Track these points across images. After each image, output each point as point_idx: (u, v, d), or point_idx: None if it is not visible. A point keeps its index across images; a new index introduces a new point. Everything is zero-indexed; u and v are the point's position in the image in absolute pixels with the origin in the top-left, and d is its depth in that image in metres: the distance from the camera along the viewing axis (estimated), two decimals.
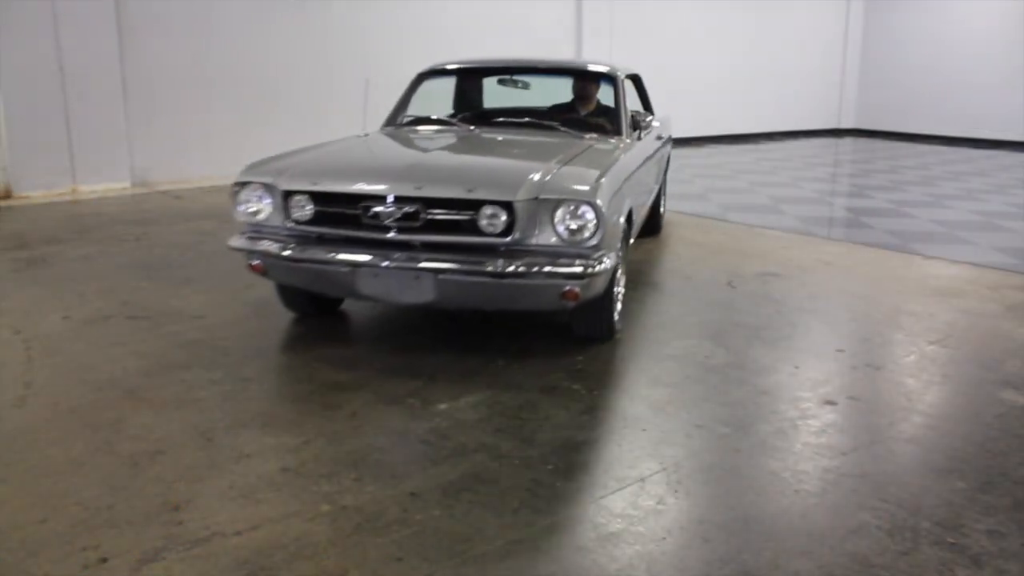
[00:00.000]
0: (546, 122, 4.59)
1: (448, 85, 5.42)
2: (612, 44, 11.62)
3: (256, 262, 3.58)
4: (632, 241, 4.30)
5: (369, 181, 3.41)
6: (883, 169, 10.63)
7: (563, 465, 2.67)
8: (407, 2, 9.74)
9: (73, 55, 7.51)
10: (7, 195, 7.37)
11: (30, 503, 2.42)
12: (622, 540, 2.27)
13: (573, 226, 3.24)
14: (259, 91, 8.84)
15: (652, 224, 5.98)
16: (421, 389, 3.25)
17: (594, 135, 4.42)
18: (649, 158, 4.81)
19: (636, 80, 5.71)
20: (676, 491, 2.53)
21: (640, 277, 5.05)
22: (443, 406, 3.11)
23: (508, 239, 3.24)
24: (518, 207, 3.21)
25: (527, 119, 4.67)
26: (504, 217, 3.23)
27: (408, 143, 4.39)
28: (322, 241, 3.46)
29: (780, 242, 6.12)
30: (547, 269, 3.20)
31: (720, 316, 4.29)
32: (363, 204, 3.34)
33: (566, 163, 3.63)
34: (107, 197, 7.61)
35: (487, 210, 3.24)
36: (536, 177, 3.35)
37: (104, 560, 2.13)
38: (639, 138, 4.66)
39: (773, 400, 3.23)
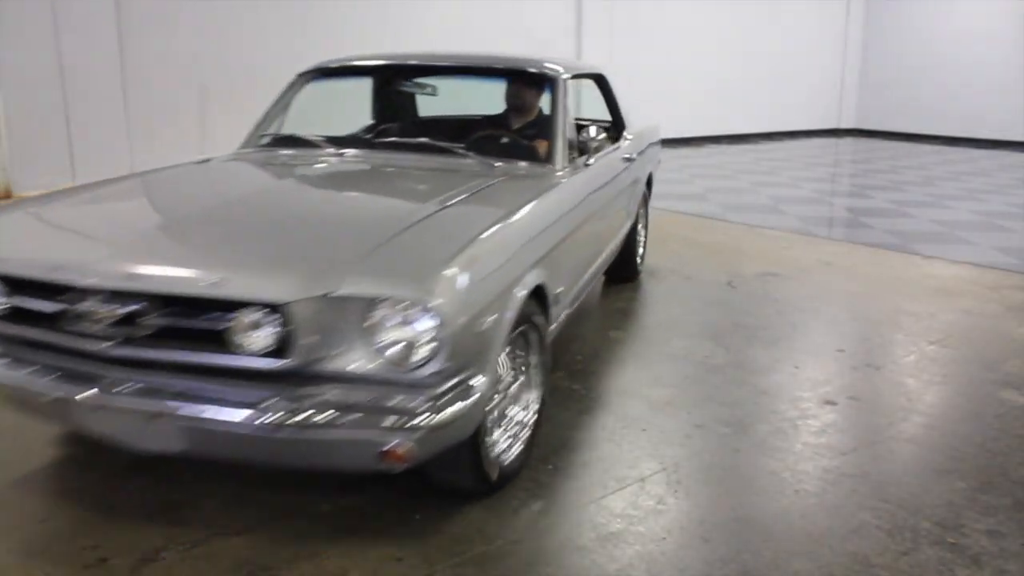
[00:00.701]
0: (447, 144, 3.30)
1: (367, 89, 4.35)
2: (612, 44, 11.63)
3: None
4: (555, 326, 2.93)
5: (69, 260, 2.18)
6: (883, 169, 10.63)
7: (563, 465, 2.67)
8: (408, 3, 9.74)
9: (73, 55, 7.51)
10: (7, 195, 7.37)
11: (30, 503, 2.42)
12: (622, 540, 2.27)
13: (398, 341, 1.99)
14: (260, 91, 8.82)
15: (626, 269, 4.82)
16: None
17: (522, 164, 3.21)
18: (603, 189, 3.60)
19: (600, 81, 4.46)
20: (676, 491, 2.53)
21: (639, 277, 5.05)
22: None
23: (286, 362, 2.00)
24: (295, 311, 1.96)
25: (423, 140, 3.41)
26: (275, 327, 1.99)
27: (212, 184, 3.12)
28: (30, 349, 2.24)
29: (780, 242, 6.12)
30: (350, 417, 1.95)
31: (720, 316, 4.29)
32: (65, 298, 2.11)
33: (429, 217, 2.42)
34: None
35: (247, 316, 1.99)
36: (342, 257, 2.10)
37: (104, 560, 2.14)
38: (587, 164, 3.44)
39: (773, 400, 3.23)
